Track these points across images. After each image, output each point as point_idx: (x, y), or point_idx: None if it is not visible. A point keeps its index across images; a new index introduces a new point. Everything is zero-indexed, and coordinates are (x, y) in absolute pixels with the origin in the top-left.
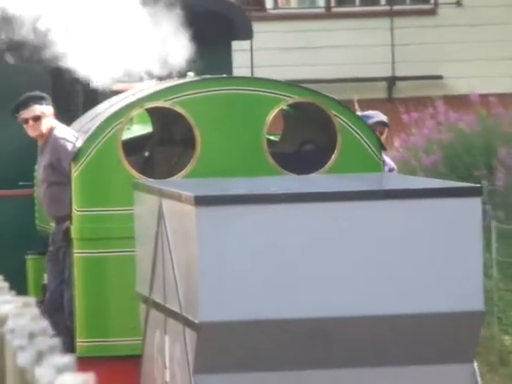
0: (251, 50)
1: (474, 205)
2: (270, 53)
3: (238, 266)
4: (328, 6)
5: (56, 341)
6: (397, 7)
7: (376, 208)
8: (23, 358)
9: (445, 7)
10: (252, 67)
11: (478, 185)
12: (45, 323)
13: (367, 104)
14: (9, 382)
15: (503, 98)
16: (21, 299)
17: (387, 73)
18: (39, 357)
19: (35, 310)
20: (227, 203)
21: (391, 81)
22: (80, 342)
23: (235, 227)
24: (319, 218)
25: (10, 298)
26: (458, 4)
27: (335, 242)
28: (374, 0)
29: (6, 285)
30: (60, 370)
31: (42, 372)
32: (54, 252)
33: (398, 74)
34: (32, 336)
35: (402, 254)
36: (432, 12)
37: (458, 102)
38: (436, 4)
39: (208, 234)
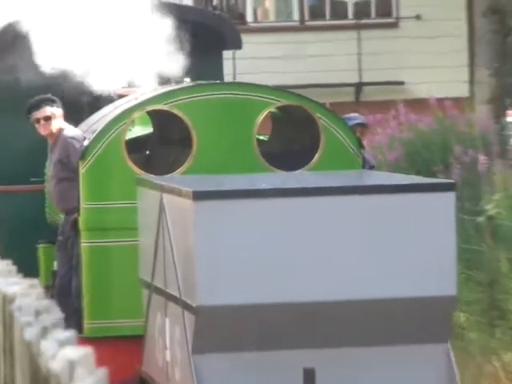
0: (233, 58)
1: (449, 198)
2: (250, 61)
3: (233, 255)
4: (302, 20)
5: (59, 317)
6: (363, 21)
7: (358, 202)
8: (30, 333)
9: (405, 21)
10: (234, 74)
11: (452, 181)
12: (48, 302)
13: (337, 107)
14: (17, 354)
15: (458, 101)
16: (27, 281)
17: (355, 79)
18: (44, 332)
19: (40, 291)
20: (222, 198)
21: (358, 86)
22: (87, 323)
23: (229, 219)
24: (305, 210)
25: (18, 280)
26: (418, 18)
27: (320, 233)
28: (343, 14)
29: (14, 268)
30: (62, 343)
31: (46, 345)
32: (63, 241)
33: (365, 80)
34: (37, 313)
35: (383, 244)
36: (394, 25)
37: (418, 105)
38: (397, 18)
39: (205, 225)
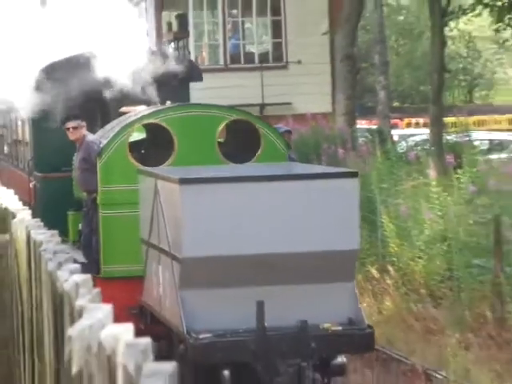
0: None
1: (355, 182)
2: (194, 90)
3: (207, 222)
4: (226, 64)
5: (70, 256)
6: (264, 64)
7: (295, 184)
8: (51, 265)
9: (292, 64)
10: None
11: (356, 170)
12: (63, 246)
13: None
14: (43, 280)
15: (325, 115)
16: (50, 231)
17: (259, 101)
18: (59, 265)
19: (58, 239)
20: (199, 182)
21: (262, 106)
22: (103, 267)
23: (204, 197)
24: (256, 190)
25: (44, 231)
26: (299, 62)
27: (267, 206)
28: (252, 60)
29: (41, 224)
30: (71, 272)
31: (61, 274)
32: (87, 212)
33: (266, 101)
34: (55, 253)
35: (311, 214)
36: (284, 67)
37: (300, 118)
38: (287, 62)
39: (188, 201)
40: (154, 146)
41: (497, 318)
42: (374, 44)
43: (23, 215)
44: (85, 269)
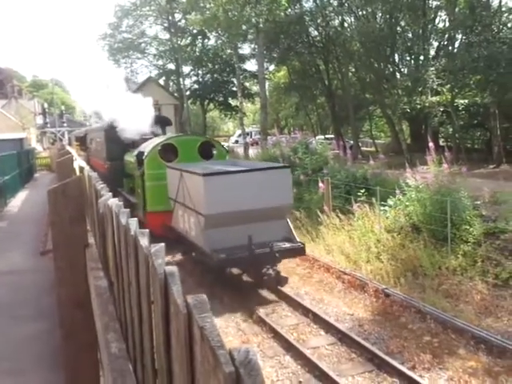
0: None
1: (288, 171)
2: None
3: (216, 193)
4: None
5: (99, 180)
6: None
7: (257, 173)
8: (94, 182)
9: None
10: None
11: (288, 165)
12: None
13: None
14: (92, 186)
15: None
16: (95, 173)
17: None
18: (98, 183)
19: (97, 177)
20: (211, 175)
21: None
22: (148, 207)
23: (213, 181)
24: (238, 177)
25: (93, 173)
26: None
27: (244, 185)
28: None
29: (103, 184)
30: (101, 185)
31: (97, 185)
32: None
33: None
34: (96, 180)
35: (268, 187)
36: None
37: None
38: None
39: (206, 185)
40: (168, 153)
41: None
42: (185, 120)
43: (87, 168)
44: (134, 207)
